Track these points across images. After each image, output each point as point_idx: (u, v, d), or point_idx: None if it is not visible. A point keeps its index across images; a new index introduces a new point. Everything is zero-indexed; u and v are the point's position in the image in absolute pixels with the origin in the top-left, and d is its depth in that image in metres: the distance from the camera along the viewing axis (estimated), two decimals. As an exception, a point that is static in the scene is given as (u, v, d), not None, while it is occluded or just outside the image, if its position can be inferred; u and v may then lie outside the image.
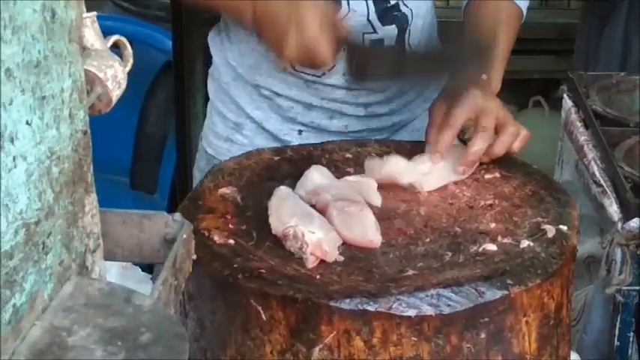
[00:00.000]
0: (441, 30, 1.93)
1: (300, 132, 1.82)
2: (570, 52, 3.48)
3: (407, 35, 1.80)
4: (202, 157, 1.93)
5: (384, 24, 1.77)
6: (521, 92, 4.14)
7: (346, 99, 1.80)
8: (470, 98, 1.59)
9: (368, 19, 1.75)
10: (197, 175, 1.94)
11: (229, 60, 1.84)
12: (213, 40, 1.89)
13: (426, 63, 1.70)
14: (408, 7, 1.79)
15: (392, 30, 1.78)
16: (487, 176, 1.54)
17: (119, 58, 0.99)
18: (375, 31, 1.76)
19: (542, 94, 3.89)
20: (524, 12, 1.84)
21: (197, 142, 2.06)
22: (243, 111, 1.85)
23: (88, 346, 0.81)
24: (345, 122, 1.82)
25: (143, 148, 3.30)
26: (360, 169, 1.56)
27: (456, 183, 1.52)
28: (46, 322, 0.83)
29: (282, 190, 1.42)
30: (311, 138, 1.80)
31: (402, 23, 1.79)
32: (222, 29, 1.87)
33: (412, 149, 1.61)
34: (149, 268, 2.36)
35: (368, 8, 1.74)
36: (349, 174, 1.54)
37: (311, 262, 1.28)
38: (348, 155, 1.62)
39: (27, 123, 0.79)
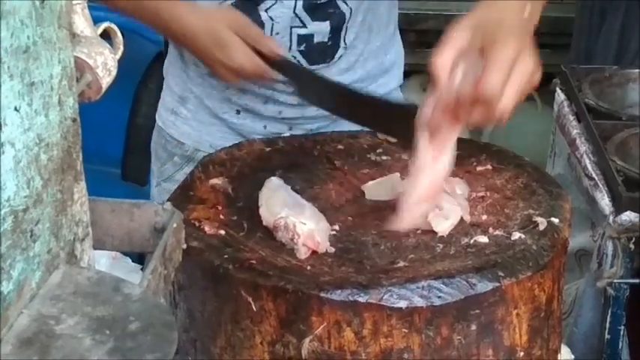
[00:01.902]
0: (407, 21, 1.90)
1: (238, 112, 1.83)
2: (564, 45, 3.48)
3: (343, 32, 1.76)
4: (156, 129, 1.96)
5: (314, 19, 1.73)
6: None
7: (276, 87, 1.79)
8: (458, 32, 1.28)
9: (294, 12, 1.72)
10: (152, 147, 1.98)
11: None
12: None
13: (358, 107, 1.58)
14: (347, 5, 1.74)
15: (324, 26, 1.74)
16: (479, 168, 1.53)
17: (109, 46, 0.98)
18: (304, 26, 1.74)
19: (535, 88, 3.88)
20: None
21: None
22: (186, 85, 1.86)
23: (76, 335, 0.80)
24: (280, 108, 1.82)
25: (134, 139, 3.29)
26: (351, 161, 1.56)
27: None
28: (33, 310, 0.82)
29: (273, 180, 1.41)
30: (248, 119, 1.81)
31: (339, 21, 1.75)
32: None
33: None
34: (139, 259, 2.35)
35: (295, 0, 1.71)
36: (341, 165, 1.54)
37: (303, 253, 1.27)
38: (340, 147, 1.61)
39: (15, 109, 0.78)
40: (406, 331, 1.20)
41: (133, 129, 3.27)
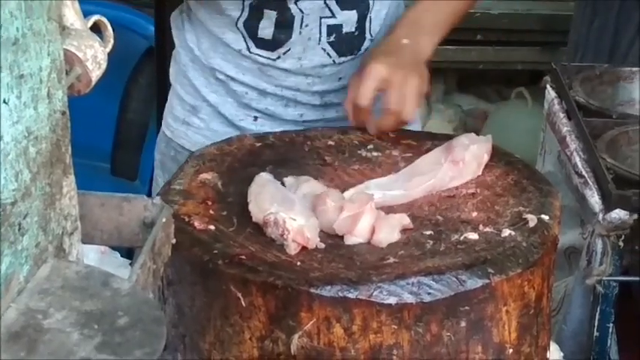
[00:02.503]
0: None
1: (255, 118, 1.80)
2: (554, 43, 3.48)
3: (368, 23, 1.77)
4: (162, 139, 1.92)
5: (343, 8, 1.73)
6: (505, 84, 4.15)
7: (300, 86, 1.78)
8: (374, 71, 1.61)
9: (325, 3, 1.72)
10: (157, 157, 1.94)
11: (187, 42, 1.82)
12: (175, 21, 1.87)
13: None
14: None
15: (352, 15, 1.74)
16: (469, 165, 1.53)
17: (99, 39, 0.98)
18: (333, 16, 1.73)
19: (526, 86, 3.89)
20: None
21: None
22: (199, 94, 1.83)
23: (64, 329, 0.80)
24: (300, 111, 1.80)
25: (124, 134, 3.29)
26: (341, 157, 1.55)
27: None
28: (21, 304, 0.82)
29: (262, 176, 1.41)
30: (266, 125, 1.79)
31: (363, 9, 1.75)
32: (183, 9, 1.84)
33: (396, 138, 1.61)
34: (128, 254, 2.35)
35: None
36: (331, 161, 1.54)
37: (293, 249, 1.27)
38: (331, 142, 1.61)
39: (4, 102, 0.78)
40: (395, 327, 1.20)
41: (123, 123, 3.26)
